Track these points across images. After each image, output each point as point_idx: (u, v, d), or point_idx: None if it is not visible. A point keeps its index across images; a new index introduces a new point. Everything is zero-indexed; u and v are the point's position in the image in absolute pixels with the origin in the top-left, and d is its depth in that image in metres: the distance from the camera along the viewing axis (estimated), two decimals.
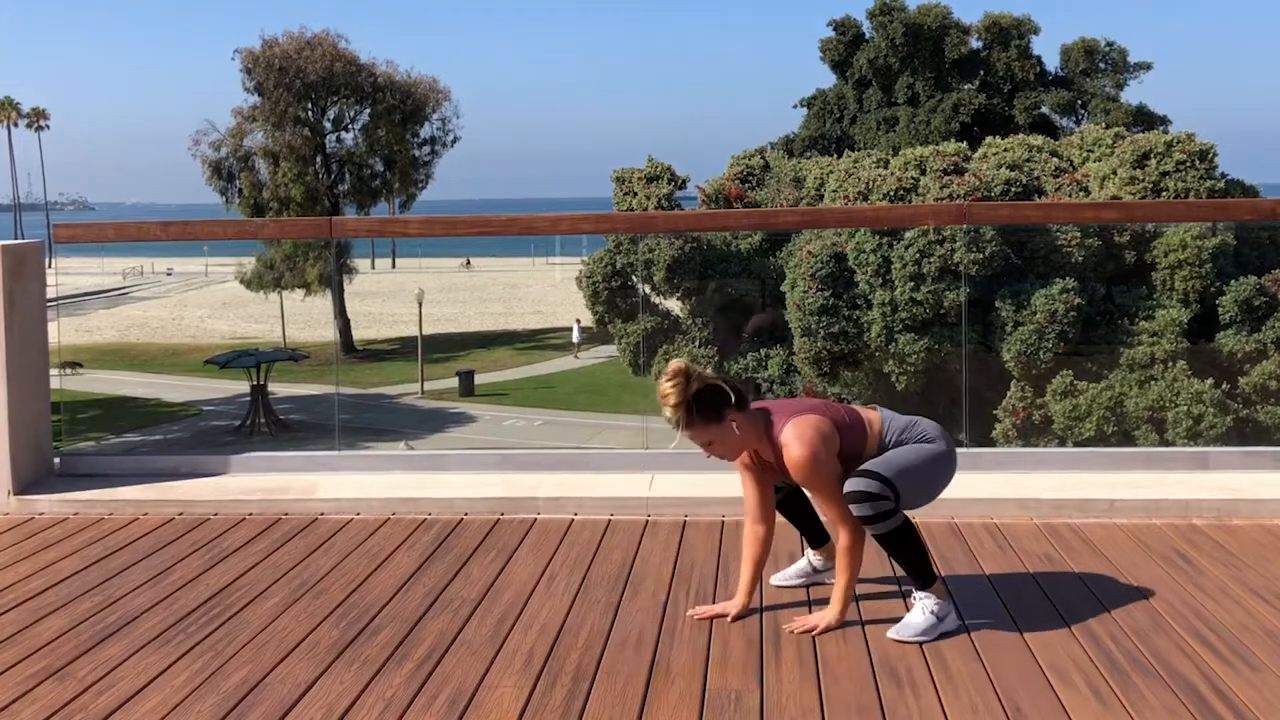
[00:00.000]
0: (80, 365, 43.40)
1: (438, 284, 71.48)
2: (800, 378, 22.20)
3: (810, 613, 3.52)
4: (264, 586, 3.89)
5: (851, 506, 3.34)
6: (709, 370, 3.46)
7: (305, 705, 2.98)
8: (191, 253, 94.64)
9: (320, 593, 3.82)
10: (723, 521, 4.53)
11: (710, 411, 3.33)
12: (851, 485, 3.33)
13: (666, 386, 3.32)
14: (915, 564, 3.39)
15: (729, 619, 3.50)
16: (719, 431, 3.36)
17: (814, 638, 3.36)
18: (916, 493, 3.42)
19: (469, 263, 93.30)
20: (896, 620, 3.41)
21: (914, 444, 3.44)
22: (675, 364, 3.34)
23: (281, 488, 4.94)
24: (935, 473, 3.46)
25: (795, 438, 3.33)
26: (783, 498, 3.73)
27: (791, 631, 3.39)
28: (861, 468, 3.37)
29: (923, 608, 3.36)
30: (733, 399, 3.36)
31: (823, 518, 3.63)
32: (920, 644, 3.29)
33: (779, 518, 3.66)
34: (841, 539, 3.40)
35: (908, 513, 3.41)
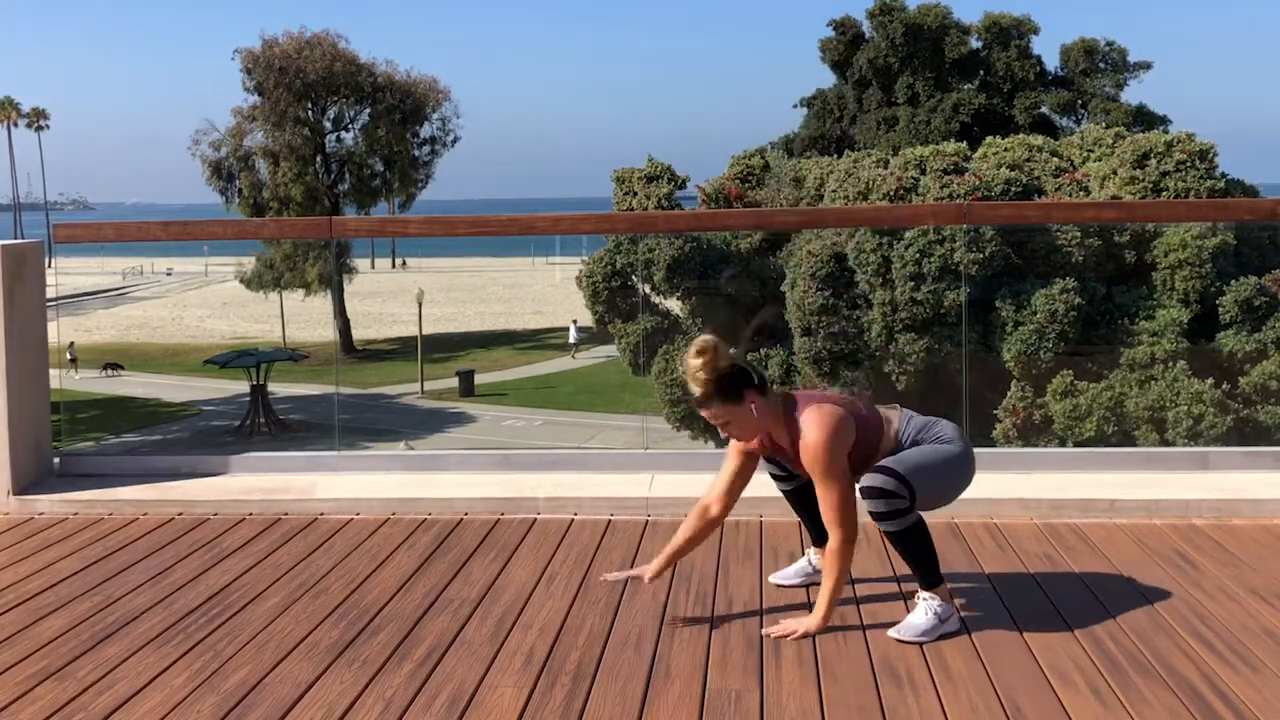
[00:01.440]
0: (121, 367, 43.12)
1: (437, 284, 71.49)
2: (800, 378, 22.20)
3: (808, 614, 3.51)
4: (264, 586, 3.89)
5: (866, 503, 3.33)
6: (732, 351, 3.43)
7: (305, 705, 2.98)
8: (191, 253, 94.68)
9: (320, 593, 3.82)
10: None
11: (732, 391, 3.34)
12: (868, 481, 3.33)
13: (696, 362, 3.32)
14: (923, 563, 3.39)
15: (645, 581, 3.57)
16: (738, 411, 3.36)
17: (814, 638, 3.35)
18: (933, 493, 3.41)
19: (404, 263, 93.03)
20: (896, 621, 3.40)
21: (931, 444, 3.42)
22: (703, 339, 3.35)
23: (281, 488, 4.94)
24: (952, 474, 3.44)
25: (814, 423, 3.32)
26: (794, 488, 3.72)
27: (769, 636, 3.35)
28: (878, 464, 3.36)
29: (926, 607, 3.36)
30: (755, 380, 3.37)
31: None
32: (921, 644, 3.29)
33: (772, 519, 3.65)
34: (833, 539, 3.38)
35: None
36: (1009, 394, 20.90)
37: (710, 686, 3.06)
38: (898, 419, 3.47)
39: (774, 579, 3.80)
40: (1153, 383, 19.78)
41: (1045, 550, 4.13)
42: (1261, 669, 3.11)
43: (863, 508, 3.36)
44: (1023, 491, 4.64)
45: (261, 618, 3.60)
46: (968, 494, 4.58)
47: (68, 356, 41.99)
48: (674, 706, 2.94)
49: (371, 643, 3.39)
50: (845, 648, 3.29)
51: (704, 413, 3.39)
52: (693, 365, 3.32)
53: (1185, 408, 19.22)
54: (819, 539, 3.78)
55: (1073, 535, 4.29)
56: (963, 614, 3.50)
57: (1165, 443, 18.89)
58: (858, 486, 3.38)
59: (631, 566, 3.99)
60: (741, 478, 3.58)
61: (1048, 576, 3.86)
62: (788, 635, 3.34)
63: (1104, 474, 4.86)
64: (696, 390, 3.35)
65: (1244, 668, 3.12)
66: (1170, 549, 4.12)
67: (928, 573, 3.39)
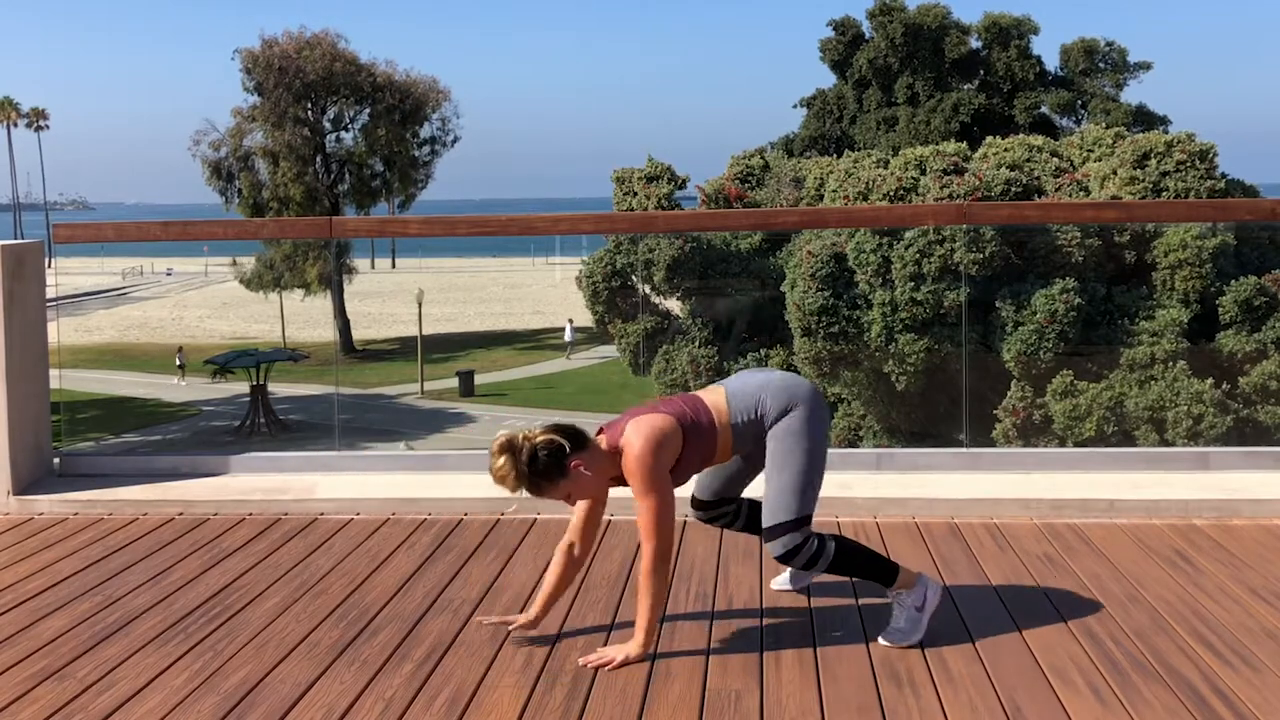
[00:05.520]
0: (231, 371, 39.91)
1: (437, 284, 71.50)
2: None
3: (812, 621, 3.52)
4: (264, 586, 3.89)
5: (789, 565, 3.28)
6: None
7: (305, 705, 2.98)
8: (191, 253, 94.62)
9: (320, 593, 3.82)
10: None
11: (554, 469, 3.15)
12: (769, 548, 3.26)
13: (500, 466, 3.12)
14: (868, 572, 3.34)
15: (512, 629, 3.36)
16: (570, 484, 3.20)
17: (814, 638, 3.35)
18: (818, 483, 3.31)
19: (235, 261, 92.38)
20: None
21: (795, 433, 3.27)
22: (497, 441, 3.15)
23: (281, 488, 4.94)
24: (821, 447, 3.32)
25: (634, 434, 3.19)
26: (744, 523, 3.63)
27: (585, 665, 3.17)
28: (767, 525, 3.25)
29: (899, 608, 3.34)
30: (568, 447, 3.16)
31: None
32: (919, 645, 3.29)
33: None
34: (644, 559, 3.20)
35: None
36: (1009, 394, 20.90)
37: (710, 686, 3.06)
38: (724, 399, 3.31)
39: (774, 584, 3.78)
40: (1153, 383, 19.78)
41: (1045, 550, 4.13)
42: (1261, 669, 3.11)
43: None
44: (1023, 491, 4.64)
45: (261, 618, 3.60)
46: (968, 494, 4.60)
47: (176, 363, 41.97)
48: (674, 706, 2.94)
49: (371, 643, 3.38)
50: (845, 648, 3.29)
51: (544, 498, 3.22)
52: (498, 470, 3.13)
53: (1185, 408, 19.22)
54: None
55: (1073, 535, 4.29)
56: (963, 614, 3.50)
57: (1165, 443, 18.89)
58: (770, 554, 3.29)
59: (631, 568, 3.99)
60: (594, 516, 3.41)
61: (1048, 576, 3.86)
62: (605, 664, 3.16)
63: (1104, 474, 4.86)
64: (514, 490, 3.15)
65: (1244, 668, 3.12)
66: (1170, 549, 4.12)
67: (878, 576, 3.35)
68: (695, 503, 3.63)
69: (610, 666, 3.16)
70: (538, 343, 50.29)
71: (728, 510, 3.63)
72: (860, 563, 3.34)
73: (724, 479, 3.57)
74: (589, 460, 3.20)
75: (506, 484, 3.14)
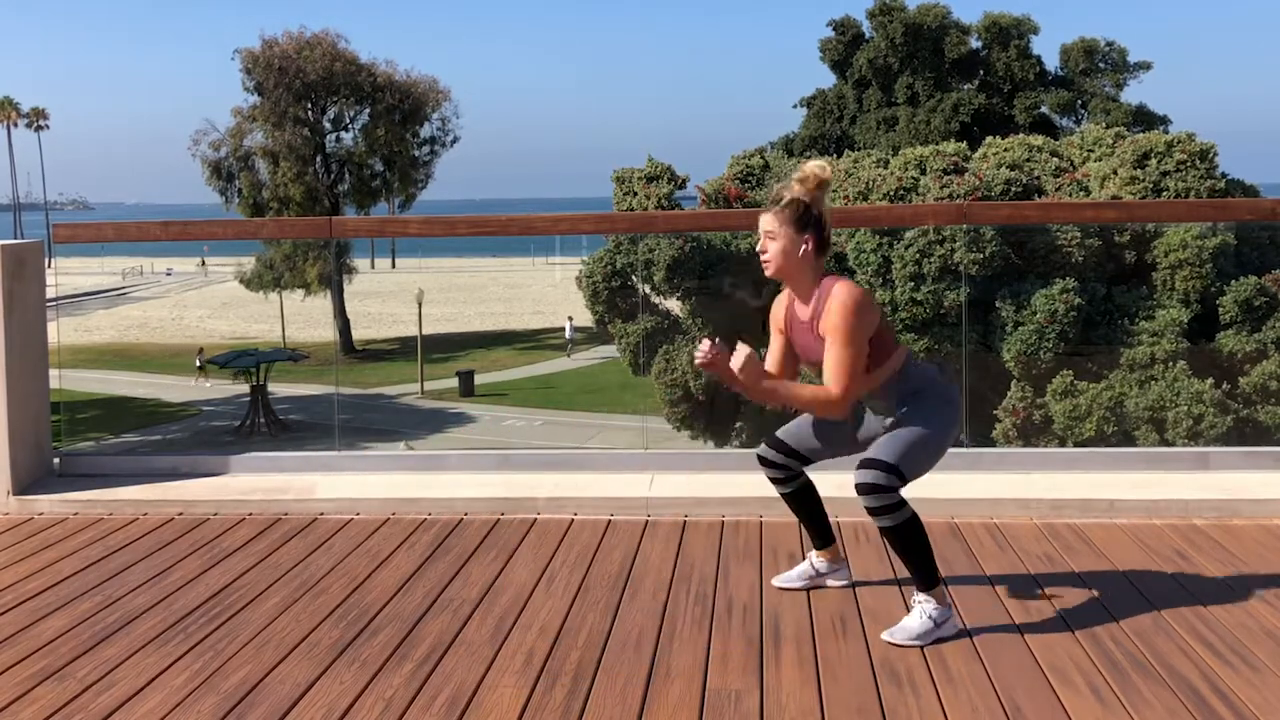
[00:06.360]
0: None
1: (437, 284, 71.49)
2: (800, 378, 22.18)
3: (812, 621, 3.52)
4: (264, 586, 3.89)
5: (862, 499, 3.32)
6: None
7: (305, 705, 2.98)
8: (191, 253, 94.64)
9: (320, 593, 3.82)
10: (723, 521, 4.52)
11: (805, 220, 3.37)
12: (859, 477, 3.31)
13: (812, 173, 3.37)
14: (919, 563, 3.37)
15: (710, 354, 3.30)
16: (789, 238, 3.37)
17: (814, 637, 3.35)
18: (924, 466, 3.40)
19: (204, 263, 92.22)
20: (896, 622, 3.40)
21: (923, 415, 3.39)
22: (830, 172, 3.40)
23: (281, 488, 4.94)
24: (944, 441, 3.42)
25: (845, 289, 3.33)
26: (793, 491, 3.70)
27: (697, 360, 3.28)
28: (869, 456, 3.34)
29: (920, 611, 3.35)
30: (821, 236, 3.38)
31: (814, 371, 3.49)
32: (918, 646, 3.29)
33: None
34: (826, 389, 3.31)
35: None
36: (1009, 394, 20.89)
37: (710, 686, 3.06)
38: (904, 355, 3.46)
39: (775, 582, 3.79)
40: (1153, 383, 19.77)
41: (1045, 550, 4.13)
42: (1261, 669, 3.11)
43: (857, 504, 3.35)
44: (1023, 491, 4.64)
45: (261, 618, 3.60)
46: (968, 494, 4.60)
47: (196, 364, 41.93)
48: (674, 706, 2.94)
49: (371, 643, 3.39)
50: (845, 648, 3.29)
51: (767, 215, 3.40)
52: (807, 173, 3.37)
53: (1185, 408, 19.21)
54: (819, 542, 3.78)
55: (1073, 535, 4.29)
56: (963, 614, 3.50)
57: (1165, 443, 18.88)
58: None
59: (631, 568, 4.00)
60: (786, 352, 3.55)
61: (1048, 576, 3.86)
62: (708, 356, 3.24)
63: (1104, 474, 4.86)
64: (785, 194, 3.38)
65: (1244, 668, 3.12)
66: (1170, 549, 4.12)
67: (924, 573, 3.38)
68: (771, 441, 3.67)
69: (711, 367, 3.26)
70: (538, 342, 50.29)
71: (794, 471, 3.67)
72: (920, 547, 3.36)
73: (813, 436, 3.61)
74: (810, 254, 3.37)
75: (791, 190, 3.39)
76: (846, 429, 3.60)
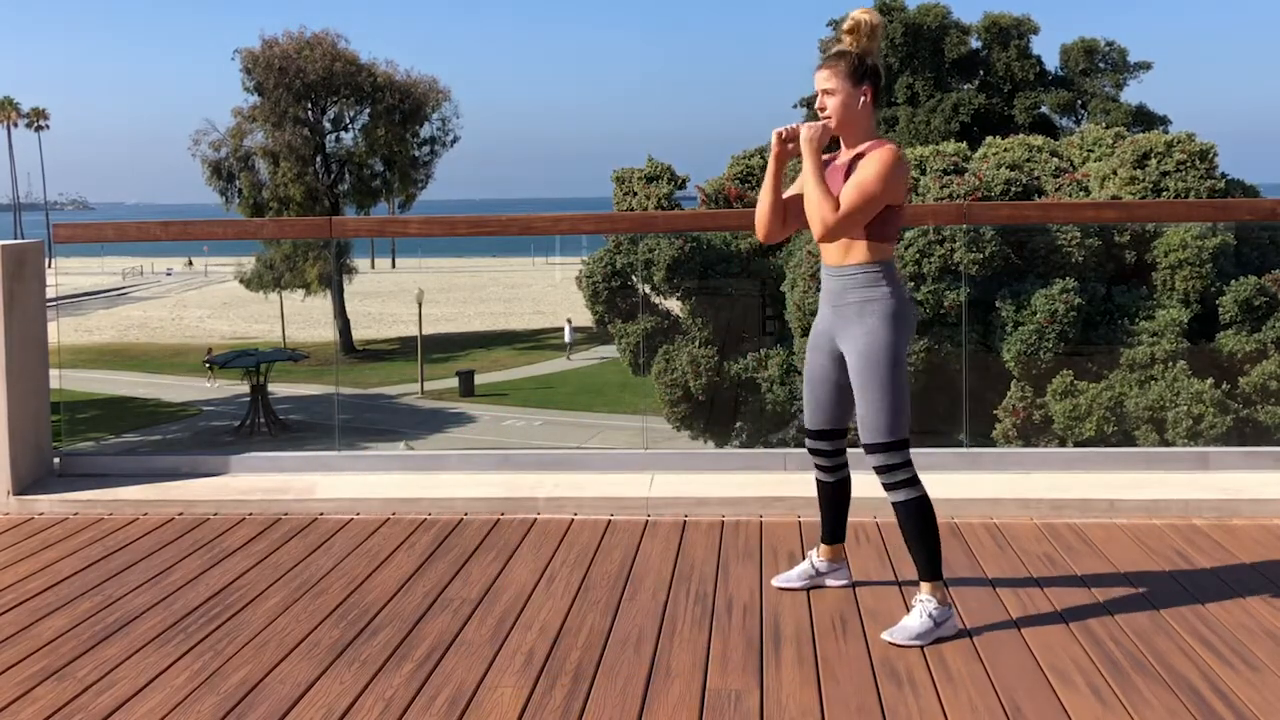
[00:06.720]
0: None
1: (437, 284, 71.49)
2: (801, 379, 22.20)
3: (812, 621, 3.52)
4: (264, 586, 3.89)
5: (879, 479, 3.40)
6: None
7: (305, 705, 2.98)
8: (191, 253, 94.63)
9: (320, 593, 3.82)
10: (722, 521, 4.52)
11: (862, 72, 3.44)
12: (871, 464, 3.40)
13: (861, 21, 3.42)
14: (925, 551, 3.38)
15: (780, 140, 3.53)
16: (847, 91, 3.43)
17: (814, 637, 3.35)
18: (903, 396, 3.42)
19: (190, 262, 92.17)
20: (896, 622, 3.40)
21: (880, 335, 3.40)
22: (879, 16, 3.46)
23: (281, 488, 4.94)
24: (900, 355, 3.44)
25: (894, 149, 3.41)
26: (834, 481, 3.71)
27: (780, 134, 3.50)
28: (866, 441, 3.39)
29: (921, 610, 3.35)
30: (879, 87, 3.48)
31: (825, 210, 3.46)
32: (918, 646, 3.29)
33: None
34: (830, 204, 3.40)
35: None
36: (1009, 394, 20.89)
37: (710, 686, 3.06)
38: (891, 256, 3.55)
39: (776, 581, 3.79)
40: (1153, 383, 19.76)
41: (1045, 550, 4.13)
42: (1261, 669, 3.11)
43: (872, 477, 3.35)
44: (1023, 491, 4.64)
45: (261, 618, 3.60)
46: (968, 494, 4.60)
47: (205, 364, 41.79)
48: (674, 706, 2.94)
49: (371, 643, 3.39)
50: (845, 648, 3.29)
51: (823, 71, 3.45)
52: (858, 20, 3.43)
53: (1185, 408, 19.21)
54: (827, 537, 3.76)
55: (1073, 535, 4.29)
56: (963, 614, 3.50)
57: (1165, 443, 18.88)
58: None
59: (631, 568, 4.00)
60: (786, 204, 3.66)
61: (1048, 577, 3.86)
62: (786, 132, 3.47)
63: (1104, 474, 4.86)
64: (844, 44, 3.45)
65: (1244, 668, 3.12)
66: (1170, 549, 4.12)
67: (928, 563, 3.38)
68: (809, 433, 3.68)
69: (791, 142, 3.48)
70: (538, 343, 50.28)
71: (840, 461, 3.69)
72: (929, 532, 3.39)
73: (817, 400, 3.63)
74: (867, 105, 3.46)
75: (849, 33, 3.45)
76: (832, 378, 3.60)
